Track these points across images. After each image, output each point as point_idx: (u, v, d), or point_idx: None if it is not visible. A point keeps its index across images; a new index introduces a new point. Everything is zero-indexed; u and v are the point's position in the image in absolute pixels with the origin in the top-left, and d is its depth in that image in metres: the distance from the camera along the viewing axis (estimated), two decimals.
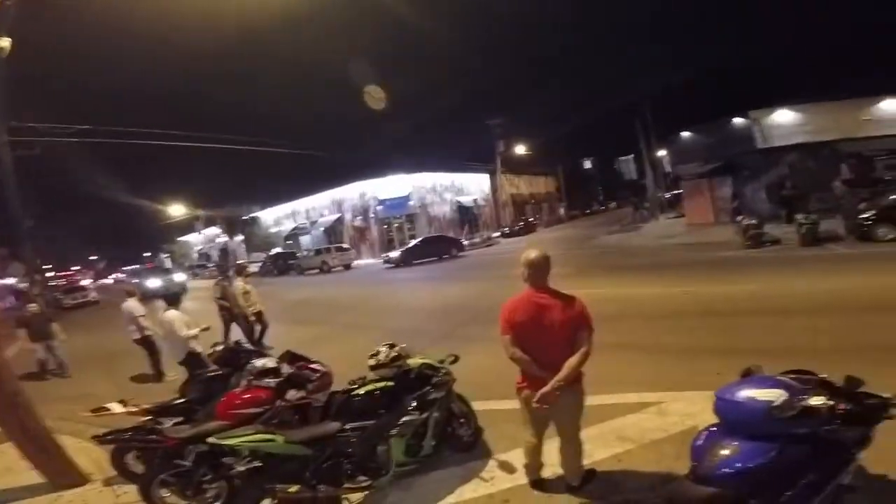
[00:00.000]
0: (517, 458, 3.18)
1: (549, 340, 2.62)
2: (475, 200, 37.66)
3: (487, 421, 3.77)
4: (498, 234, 34.55)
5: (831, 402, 1.86)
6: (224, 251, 44.96)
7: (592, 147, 62.70)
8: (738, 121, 21.10)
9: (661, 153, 32.13)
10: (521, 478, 3.12)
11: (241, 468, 2.90)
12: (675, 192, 28.92)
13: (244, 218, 43.30)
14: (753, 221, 12.84)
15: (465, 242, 27.56)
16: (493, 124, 36.20)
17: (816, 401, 1.87)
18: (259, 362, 3.81)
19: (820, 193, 16.28)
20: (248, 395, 3.57)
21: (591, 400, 2.85)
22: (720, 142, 21.90)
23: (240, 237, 44.62)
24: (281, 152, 27.56)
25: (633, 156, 42.89)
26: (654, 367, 5.01)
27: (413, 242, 25.97)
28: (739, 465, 1.86)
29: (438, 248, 24.69)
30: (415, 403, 3.26)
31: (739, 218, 14.57)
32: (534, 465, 3.00)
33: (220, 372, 4.41)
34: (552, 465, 3.03)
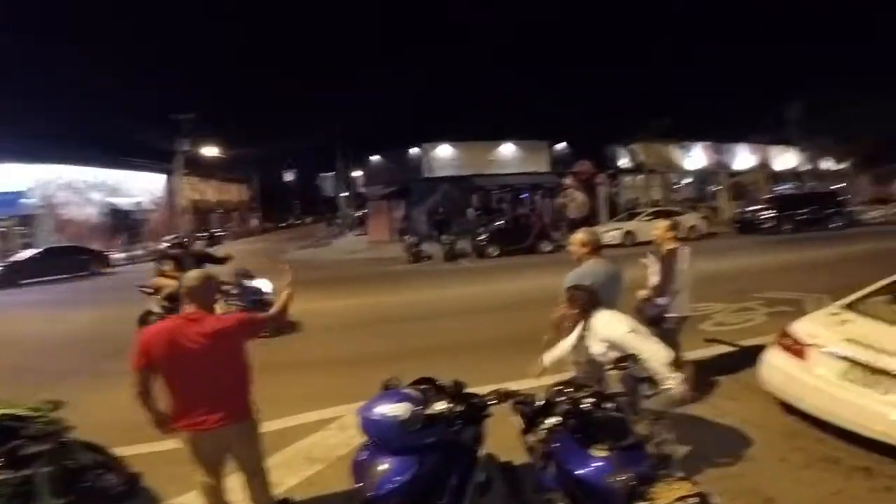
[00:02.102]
0: (194, 500, 2.78)
1: (206, 370, 2.34)
2: (139, 204, 30.47)
3: (148, 465, 3.32)
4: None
5: (450, 406, 1.97)
6: None
7: (296, 160, 62.23)
8: (414, 151, 24.85)
9: (357, 174, 34.73)
10: None
11: None
12: (364, 210, 31.78)
13: None
14: (414, 240, 15.33)
15: (120, 255, 21.71)
16: (182, 120, 30.67)
17: (438, 407, 1.96)
18: None
19: (460, 218, 21.18)
20: None
21: (273, 425, 2.83)
22: (401, 168, 25.35)
23: None
24: None
25: (333, 173, 44.64)
26: (331, 381, 5.04)
27: (27, 254, 18.51)
28: (398, 479, 1.87)
29: (69, 262, 18.17)
30: (1, 461, 2.73)
31: (406, 237, 17.20)
32: None
33: None
34: (243, 501, 2.69)
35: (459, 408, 2.02)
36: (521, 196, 24.92)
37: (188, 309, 2.41)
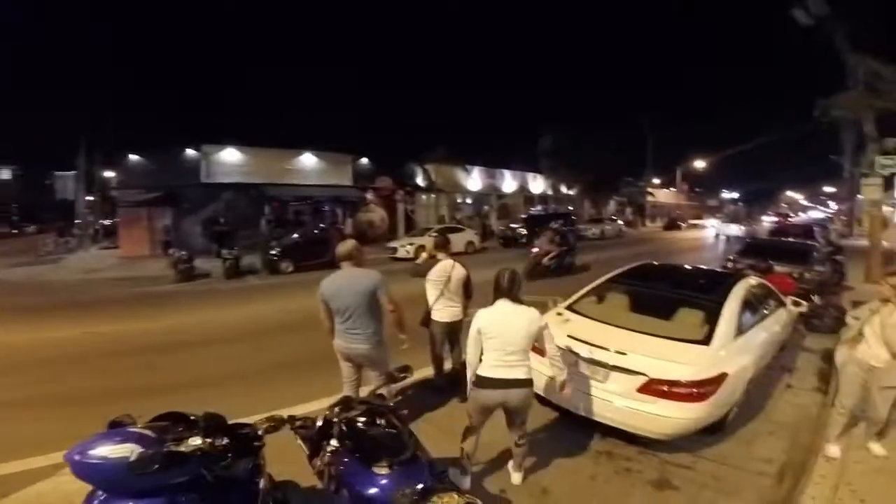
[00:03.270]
0: None
1: None
2: None
3: None
4: None
5: (208, 441, 1.82)
6: None
7: (16, 152, 45.93)
8: (189, 152, 20.93)
9: (111, 174, 27.57)
10: None
11: None
12: (116, 219, 25.54)
13: None
14: (184, 255, 12.95)
15: None
16: None
17: (192, 443, 1.80)
18: None
19: (247, 231, 18.92)
20: None
21: None
22: (168, 170, 21.11)
23: None
24: None
25: (74, 172, 34.63)
26: (62, 422, 4.21)
27: None
28: None
29: None
30: None
31: (171, 251, 14.47)
32: None
33: None
34: None
35: (222, 441, 1.88)
36: (322, 209, 24.05)
37: None
